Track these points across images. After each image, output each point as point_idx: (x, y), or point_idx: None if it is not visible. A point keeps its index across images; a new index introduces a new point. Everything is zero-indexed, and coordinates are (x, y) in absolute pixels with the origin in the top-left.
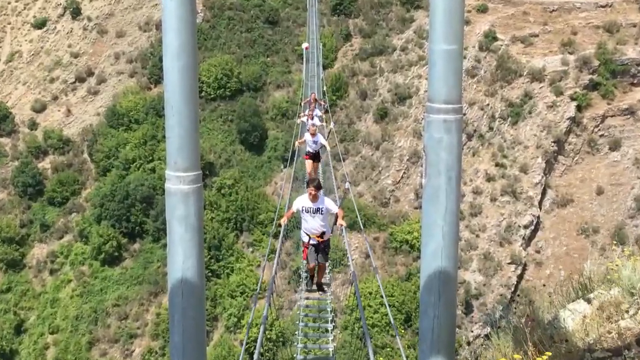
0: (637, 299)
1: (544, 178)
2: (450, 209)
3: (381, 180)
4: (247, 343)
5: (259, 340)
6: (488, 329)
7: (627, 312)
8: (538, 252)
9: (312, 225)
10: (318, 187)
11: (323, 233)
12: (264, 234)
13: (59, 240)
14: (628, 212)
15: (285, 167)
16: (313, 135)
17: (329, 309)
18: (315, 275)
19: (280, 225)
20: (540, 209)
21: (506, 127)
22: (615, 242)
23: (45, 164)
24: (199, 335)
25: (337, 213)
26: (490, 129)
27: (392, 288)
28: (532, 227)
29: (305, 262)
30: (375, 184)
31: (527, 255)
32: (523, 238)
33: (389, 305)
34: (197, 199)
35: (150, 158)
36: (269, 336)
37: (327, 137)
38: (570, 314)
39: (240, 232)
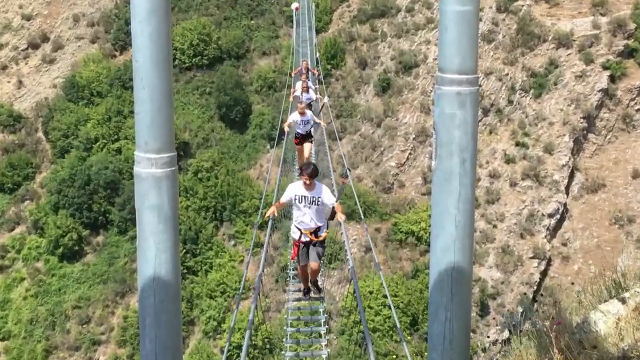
0: None
1: (572, 159)
2: (464, 195)
3: (383, 163)
4: (228, 350)
5: (244, 348)
6: (507, 334)
7: None
8: (565, 244)
9: (305, 219)
10: (314, 174)
11: (318, 229)
12: (247, 225)
13: (9, 232)
14: None
15: (272, 147)
16: (302, 114)
17: (321, 310)
18: (309, 277)
19: (266, 218)
20: (568, 195)
21: (528, 100)
22: None
23: None
24: (174, 342)
25: (334, 206)
26: (510, 102)
27: (397, 287)
28: (558, 216)
29: (294, 262)
30: (376, 167)
31: (552, 249)
32: (547, 229)
33: (393, 307)
34: (171, 185)
35: (116, 137)
36: (254, 342)
37: (320, 111)
38: (602, 315)
39: (220, 223)
